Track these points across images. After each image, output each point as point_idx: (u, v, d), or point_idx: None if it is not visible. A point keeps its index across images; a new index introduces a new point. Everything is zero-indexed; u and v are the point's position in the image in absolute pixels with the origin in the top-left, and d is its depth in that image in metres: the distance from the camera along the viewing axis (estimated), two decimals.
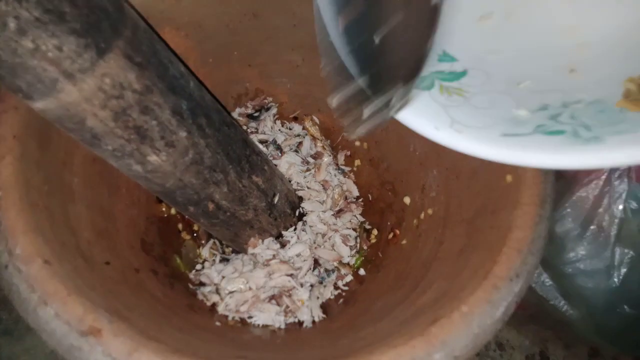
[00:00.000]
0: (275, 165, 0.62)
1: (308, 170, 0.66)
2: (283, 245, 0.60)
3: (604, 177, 0.59)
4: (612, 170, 0.59)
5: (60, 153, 0.44)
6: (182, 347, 0.35)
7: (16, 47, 0.29)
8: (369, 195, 0.67)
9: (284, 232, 0.61)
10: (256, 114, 0.67)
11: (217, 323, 0.51)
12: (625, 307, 0.62)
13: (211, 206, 0.49)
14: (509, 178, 0.42)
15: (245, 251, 0.59)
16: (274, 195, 0.56)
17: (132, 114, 0.36)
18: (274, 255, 0.58)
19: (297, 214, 0.63)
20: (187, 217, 0.63)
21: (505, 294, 0.35)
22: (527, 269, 0.37)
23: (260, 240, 0.58)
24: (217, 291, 0.55)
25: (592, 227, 0.61)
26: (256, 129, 0.66)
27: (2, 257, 0.34)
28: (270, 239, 0.60)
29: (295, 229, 0.62)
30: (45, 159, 0.42)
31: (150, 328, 0.36)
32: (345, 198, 0.67)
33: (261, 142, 0.65)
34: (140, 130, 0.37)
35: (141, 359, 0.31)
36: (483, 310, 0.35)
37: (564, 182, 0.61)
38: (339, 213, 0.66)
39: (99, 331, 0.32)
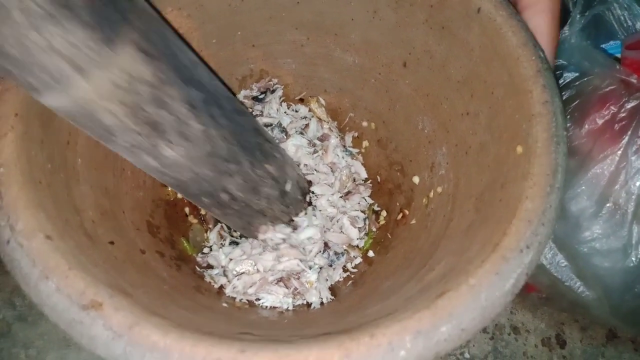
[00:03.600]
0: (283, 150, 0.62)
1: (315, 152, 0.65)
2: (295, 229, 0.59)
3: (620, 152, 0.57)
4: (629, 145, 0.57)
5: (64, 133, 0.44)
6: (186, 323, 0.34)
7: (24, 41, 0.28)
8: (378, 176, 0.66)
9: (294, 218, 0.60)
10: (261, 96, 0.66)
11: (224, 304, 0.50)
12: None
13: (225, 197, 0.48)
14: (519, 149, 0.41)
15: (255, 237, 0.58)
16: (286, 182, 0.55)
17: (146, 108, 0.35)
18: (283, 240, 0.58)
19: (307, 199, 0.62)
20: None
21: (515, 265, 0.34)
22: (538, 239, 0.35)
23: (271, 227, 0.58)
24: (225, 273, 0.55)
25: (608, 204, 0.59)
26: (261, 111, 0.65)
27: (3, 233, 0.34)
28: (282, 225, 0.59)
29: (305, 214, 0.61)
30: (48, 138, 0.42)
31: (154, 305, 0.36)
32: (354, 180, 0.66)
33: (266, 125, 0.64)
34: (155, 125, 0.36)
35: (142, 332, 0.31)
36: (491, 282, 0.34)
37: (578, 158, 0.60)
38: (347, 195, 0.65)
39: (100, 305, 0.31)
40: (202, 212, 0.63)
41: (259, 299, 0.54)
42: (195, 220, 0.62)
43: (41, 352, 0.68)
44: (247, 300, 0.54)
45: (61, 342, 0.69)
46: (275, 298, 0.54)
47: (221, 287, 0.55)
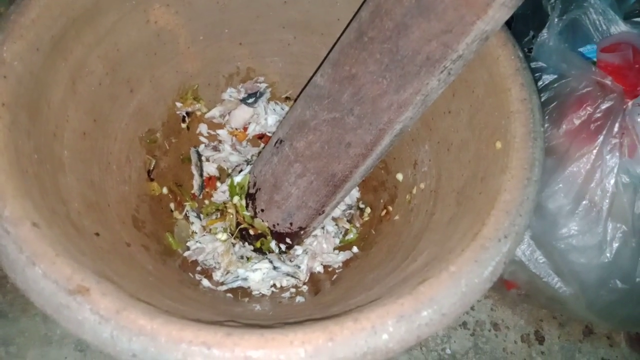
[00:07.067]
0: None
1: None
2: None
3: (595, 151, 0.59)
4: (604, 144, 0.59)
5: (51, 125, 0.44)
6: (172, 311, 0.35)
7: None
8: None
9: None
10: (250, 100, 0.66)
11: (208, 295, 0.51)
12: (618, 281, 0.62)
13: None
14: (498, 144, 0.42)
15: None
16: None
17: None
18: None
19: None
20: (179, 198, 0.63)
21: (494, 254, 0.36)
22: (515, 230, 0.37)
23: None
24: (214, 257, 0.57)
25: (584, 202, 0.61)
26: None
27: None
28: None
29: None
30: (35, 129, 0.42)
31: (140, 293, 0.36)
32: None
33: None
34: None
35: (129, 317, 0.31)
36: (471, 269, 0.35)
37: (556, 157, 0.61)
38: None
39: (87, 290, 0.32)
40: (188, 207, 0.64)
41: (245, 279, 0.55)
42: (180, 216, 0.62)
43: (22, 349, 0.67)
44: (231, 289, 0.54)
45: (42, 339, 0.68)
46: (259, 274, 0.55)
47: (208, 275, 0.55)
